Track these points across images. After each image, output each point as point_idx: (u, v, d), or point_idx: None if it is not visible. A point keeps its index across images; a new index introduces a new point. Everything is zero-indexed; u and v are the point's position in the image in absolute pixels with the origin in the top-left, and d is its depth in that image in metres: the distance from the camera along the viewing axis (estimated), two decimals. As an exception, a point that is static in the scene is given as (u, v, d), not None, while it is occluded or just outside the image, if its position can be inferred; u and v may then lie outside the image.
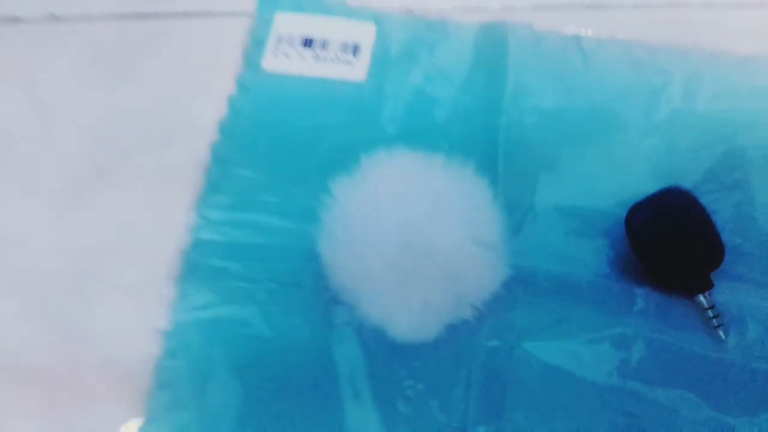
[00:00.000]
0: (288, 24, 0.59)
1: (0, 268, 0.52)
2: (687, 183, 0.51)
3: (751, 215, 0.51)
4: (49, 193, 0.55)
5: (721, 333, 0.47)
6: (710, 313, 0.47)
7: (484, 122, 0.55)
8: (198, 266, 0.51)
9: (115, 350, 0.49)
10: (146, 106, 0.58)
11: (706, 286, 0.48)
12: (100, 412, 0.48)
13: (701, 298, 0.48)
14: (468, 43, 0.58)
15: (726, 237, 0.49)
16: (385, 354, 0.48)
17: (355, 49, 0.58)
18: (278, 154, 0.55)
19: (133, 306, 0.50)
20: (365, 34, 0.59)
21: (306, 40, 0.59)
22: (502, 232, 0.49)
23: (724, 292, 0.49)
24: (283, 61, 0.58)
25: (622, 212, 0.50)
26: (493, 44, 0.58)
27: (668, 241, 0.48)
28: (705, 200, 0.50)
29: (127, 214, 0.54)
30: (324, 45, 0.58)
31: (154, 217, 0.53)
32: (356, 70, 0.57)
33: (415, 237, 0.47)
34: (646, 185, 0.51)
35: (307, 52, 0.58)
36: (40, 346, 0.50)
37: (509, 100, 0.56)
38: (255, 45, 0.59)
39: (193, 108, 0.57)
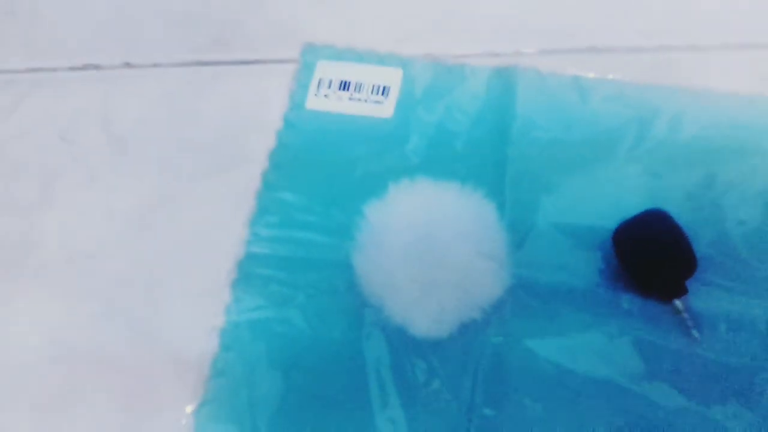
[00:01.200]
0: (328, 70, 0.65)
1: (84, 276, 0.57)
2: (669, 203, 0.55)
3: (723, 231, 0.55)
4: (125, 213, 0.60)
5: (694, 332, 0.51)
6: (685, 315, 0.52)
7: (494, 153, 0.60)
8: (250, 275, 0.56)
9: (179, 344, 0.54)
10: (206, 139, 0.63)
11: (682, 292, 0.52)
12: (165, 395, 0.52)
13: (677, 302, 0.52)
14: (482, 85, 0.63)
15: (701, 250, 0.53)
16: (407, 349, 0.52)
17: (385, 91, 0.64)
18: (318, 181, 0.60)
19: (194, 307, 0.55)
20: (393, 78, 0.64)
21: (343, 83, 0.64)
22: (506, 247, 0.54)
23: (698, 297, 0.53)
24: (323, 101, 0.64)
25: (612, 229, 0.54)
26: (503, 85, 0.63)
27: (649, 255, 0.53)
28: (684, 218, 0.54)
29: (190, 230, 0.59)
30: (358, 87, 0.64)
31: (213, 233, 0.58)
32: (385, 109, 0.63)
33: (433, 251, 0.52)
34: (633, 206, 0.55)
35: (344, 94, 0.64)
36: (117, 341, 0.55)
37: (517, 133, 0.60)
38: (299, 87, 0.64)
39: (247, 141, 0.62)
